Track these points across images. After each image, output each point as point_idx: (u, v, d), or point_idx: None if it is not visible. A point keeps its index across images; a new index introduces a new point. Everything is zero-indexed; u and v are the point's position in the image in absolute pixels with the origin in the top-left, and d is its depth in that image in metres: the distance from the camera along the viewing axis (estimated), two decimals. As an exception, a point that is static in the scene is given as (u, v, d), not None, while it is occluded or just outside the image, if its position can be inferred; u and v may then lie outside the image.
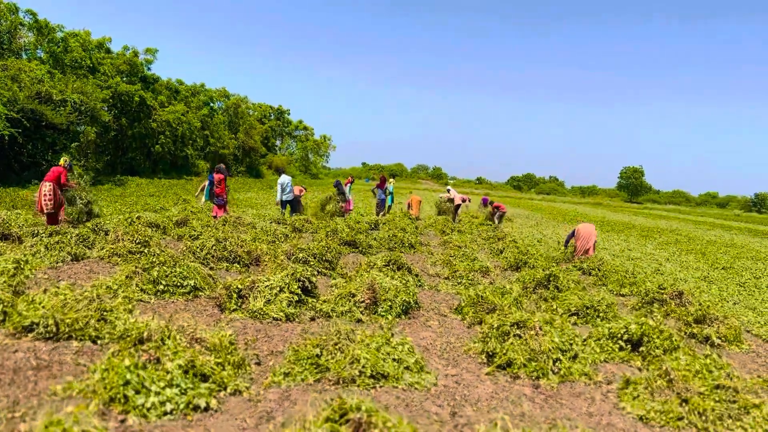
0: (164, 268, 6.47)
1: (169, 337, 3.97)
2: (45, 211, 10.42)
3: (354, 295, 6.16)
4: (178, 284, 6.40)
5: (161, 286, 6.30)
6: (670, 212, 62.34)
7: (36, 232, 8.80)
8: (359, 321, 5.89)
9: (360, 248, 11.19)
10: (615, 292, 9.23)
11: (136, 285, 6.27)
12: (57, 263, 7.59)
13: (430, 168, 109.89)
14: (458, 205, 20.83)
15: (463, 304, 6.55)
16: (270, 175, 57.87)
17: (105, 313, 4.91)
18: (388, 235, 12.26)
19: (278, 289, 6.02)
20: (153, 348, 3.83)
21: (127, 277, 6.44)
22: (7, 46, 22.04)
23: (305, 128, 74.35)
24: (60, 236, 8.37)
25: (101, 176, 27.27)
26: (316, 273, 8.37)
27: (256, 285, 5.99)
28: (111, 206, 15.40)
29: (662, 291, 8.29)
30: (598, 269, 10.64)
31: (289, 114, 72.92)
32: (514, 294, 6.38)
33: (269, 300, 5.87)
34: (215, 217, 13.79)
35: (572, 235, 12.69)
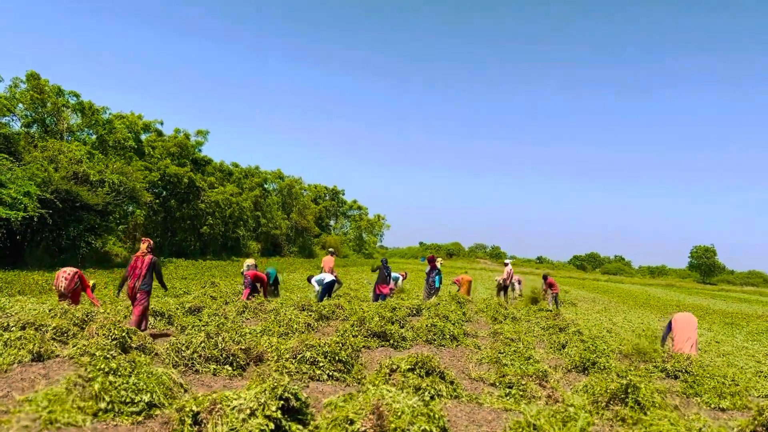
0: (110, 378, 4.97)
1: None
2: (59, 289, 9.69)
3: (353, 422, 4.46)
4: (128, 400, 4.87)
5: (104, 404, 4.78)
6: (750, 294, 57.50)
7: (6, 324, 7.54)
8: (357, 462, 4.17)
9: (391, 341, 9.46)
10: (713, 405, 7.13)
11: (73, 401, 4.79)
12: (11, 365, 6.23)
13: (489, 247, 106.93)
14: (505, 287, 19.04)
15: (508, 434, 4.73)
16: (323, 255, 57.13)
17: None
18: (428, 324, 10.49)
19: (249, 411, 4.39)
20: None
21: (67, 389, 4.98)
22: (51, 127, 22.20)
23: (359, 208, 74.06)
24: (26, 331, 7.06)
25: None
26: (326, 377, 6.75)
27: (219, 406, 4.39)
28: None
29: (783, 409, 6.20)
30: (687, 371, 8.50)
31: (343, 194, 73.05)
32: (581, 422, 4.52)
33: (234, 428, 4.24)
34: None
35: (669, 329, 10.42)
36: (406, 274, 20.38)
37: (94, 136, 24.91)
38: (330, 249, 16.89)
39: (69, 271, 10.22)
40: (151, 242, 9.09)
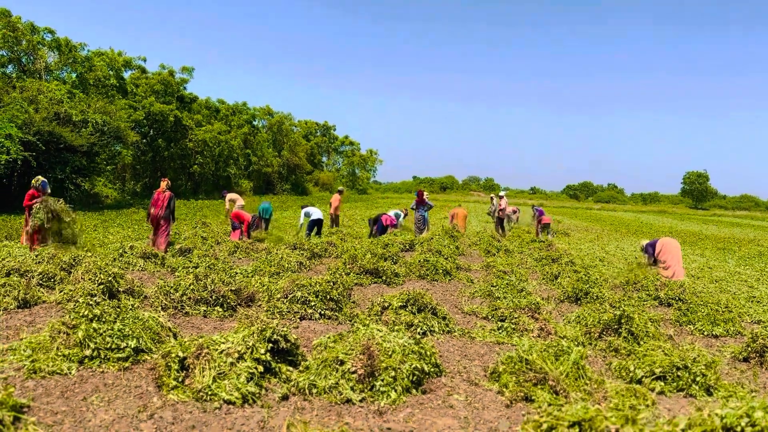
0: (95, 324, 4.85)
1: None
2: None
3: (343, 362, 4.39)
4: (114, 347, 4.78)
5: (89, 351, 4.69)
6: (742, 219, 58.00)
7: (-10, 271, 7.40)
8: (348, 401, 4.12)
9: (384, 278, 9.42)
10: (706, 333, 7.15)
11: (57, 349, 4.69)
12: (-5, 312, 6.13)
13: (482, 179, 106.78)
14: (501, 219, 18.95)
15: (500, 369, 4.69)
16: (317, 192, 56.90)
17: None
18: (420, 260, 10.44)
19: (237, 355, 4.31)
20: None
21: (51, 337, 4.89)
22: (28, 67, 21.42)
23: (351, 143, 73.28)
24: (11, 277, 6.93)
25: (135, 199, 26.50)
26: (318, 316, 6.70)
27: (206, 350, 4.30)
28: (122, 233, 14.15)
29: (775, 335, 6.20)
30: (680, 299, 8.52)
31: (335, 130, 72.11)
32: (574, 356, 4.46)
33: (222, 372, 4.17)
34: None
35: (653, 247, 10.76)
36: (406, 211, 20.08)
37: (74, 75, 24.14)
38: (339, 188, 16.91)
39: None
40: (169, 181, 11.28)
